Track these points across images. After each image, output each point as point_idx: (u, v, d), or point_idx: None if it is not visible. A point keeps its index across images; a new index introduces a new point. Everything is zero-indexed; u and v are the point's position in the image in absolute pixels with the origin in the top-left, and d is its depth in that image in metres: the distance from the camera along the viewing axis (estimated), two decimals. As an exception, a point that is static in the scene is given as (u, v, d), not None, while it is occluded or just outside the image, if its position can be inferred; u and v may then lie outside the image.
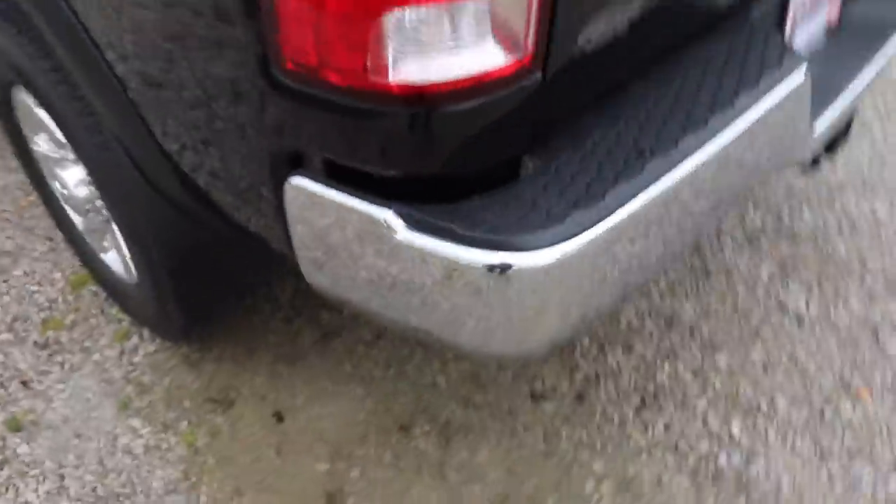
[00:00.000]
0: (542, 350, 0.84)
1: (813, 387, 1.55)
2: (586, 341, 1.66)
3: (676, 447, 1.46)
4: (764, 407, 1.52)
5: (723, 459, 1.44)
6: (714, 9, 1.00)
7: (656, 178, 0.78)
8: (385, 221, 0.73)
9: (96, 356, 1.69)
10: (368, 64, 0.65)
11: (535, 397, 1.57)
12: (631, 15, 0.79)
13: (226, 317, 1.72)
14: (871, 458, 1.43)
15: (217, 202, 1.05)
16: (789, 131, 0.99)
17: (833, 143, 1.39)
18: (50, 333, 1.75)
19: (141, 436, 1.53)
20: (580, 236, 0.72)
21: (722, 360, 1.61)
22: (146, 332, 1.72)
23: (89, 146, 1.25)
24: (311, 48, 0.67)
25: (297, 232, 0.86)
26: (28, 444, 1.53)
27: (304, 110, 0.74)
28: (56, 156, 1.60)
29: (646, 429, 1.50)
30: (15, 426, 1.56)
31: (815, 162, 1.44)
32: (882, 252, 1.82)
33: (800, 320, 1.69)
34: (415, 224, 0.73)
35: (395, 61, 0.64)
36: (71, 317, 1.78)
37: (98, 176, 1.30)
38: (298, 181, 0.80)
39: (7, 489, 1.46)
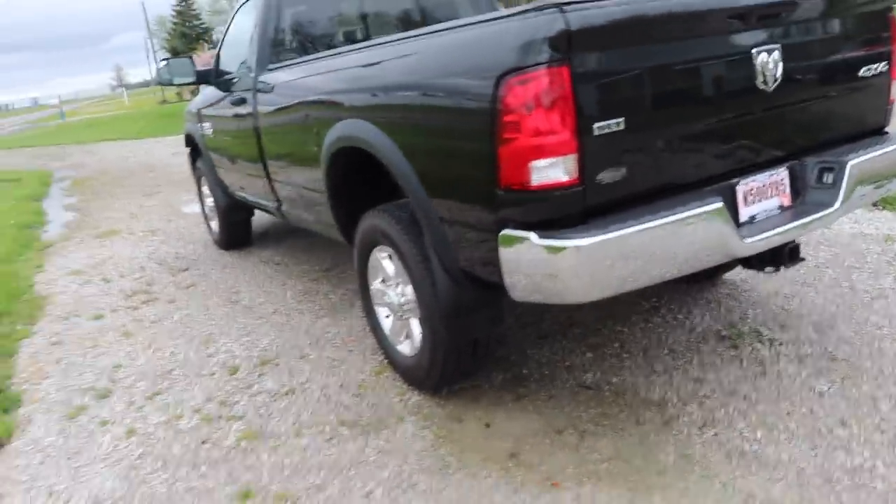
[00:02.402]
0: (595, 295, 2.28)
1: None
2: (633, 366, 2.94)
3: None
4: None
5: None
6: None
7: (624, 230, 2.24)
8: (530, 238, 2.28)
9: (386, 401, 3.25)
10: (527, 179, 2.24)
11: (582, 386, 2.85)
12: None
13: (460, 386, 3.23)
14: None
15: (469, 266, 2.66)
16: (711, 232, 2.39)
17: (787, 261, 2.74)
18: (362, 391, 3.36)
19: (409, 429, 3.00)
20: (592, 239, 2.20)
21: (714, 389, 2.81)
22: (416, 391, 3.27)
23: (418, 268, 2.91)
24: (510, 177, 2.28)
25: (503, 258, 2.40)
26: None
27: (507, 199, 2.33)
28: (383, 288, 3.34)
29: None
30: (349, 423, 3.11)
31: (777, 269, 2.77)
32: (878, 369, 2.96)
33: (821, 394, 2.85)
34: (540, 237, 2.26)
35: (533, 177, 2.23)
36: (373, 383, 3.40)
37: (418, 283, 2.94)
38: (504, 231, 2.37)
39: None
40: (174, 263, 5.80)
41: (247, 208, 5.58)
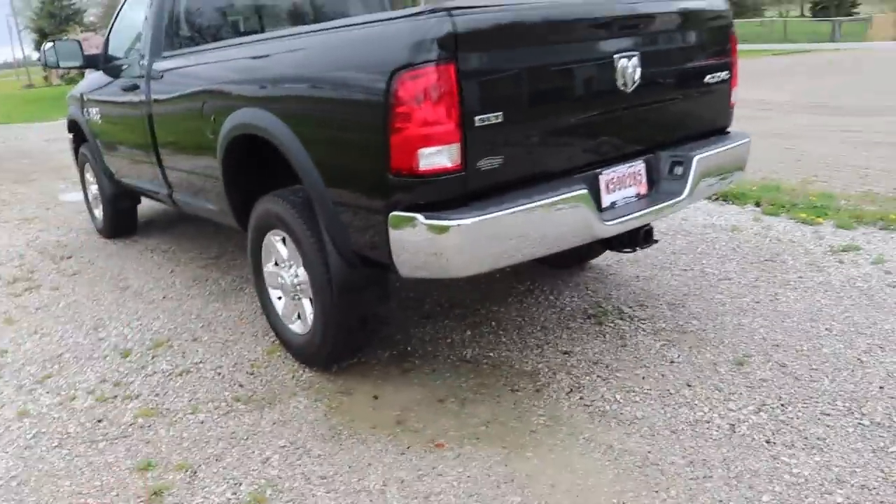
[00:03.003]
0: (475, 269, 2.54)
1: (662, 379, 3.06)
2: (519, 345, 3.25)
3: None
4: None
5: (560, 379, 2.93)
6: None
7: (501, 211, 2.51)
8: (417, 218, 2.51)
9: (279, 378, 3.40)
10: (415, 165, 2.47)
11: (462, 360, 3.13)
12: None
13: (349, 362, 3.43)
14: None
15: (360, 247, 2.86)
16: (577, 215, 2.70)
17: (642, 242, 3.10)
18: (255, 369, 3.50)
19: (301, 402, 3.18)
20: (472, 219, 2.46)
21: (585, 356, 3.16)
22: (307, 368, 3.44)
23: (312, 250, 3.08)
24: (400, 163, 2.50)
25: (393, 238, 2.62)
26: (261, 410, 3.20)
27: (398, 184, 2.55)
28: (276, 271, 3.49)
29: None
30: (243, 399, 3.25)
31: (633, 249, 3.14)
32: (720, 339, 3.38)
33: (671, 361, 3.23)
34: (426, 217, 2.49)
35: (421, 163, 2.46)
36: (266, 362, 3.55)
37: (311, 264, 3.11)
38: (394, 212, 2.59)
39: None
40: (56, 251, 5.69)
41: (133, 196, 5.55)
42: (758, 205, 5.57)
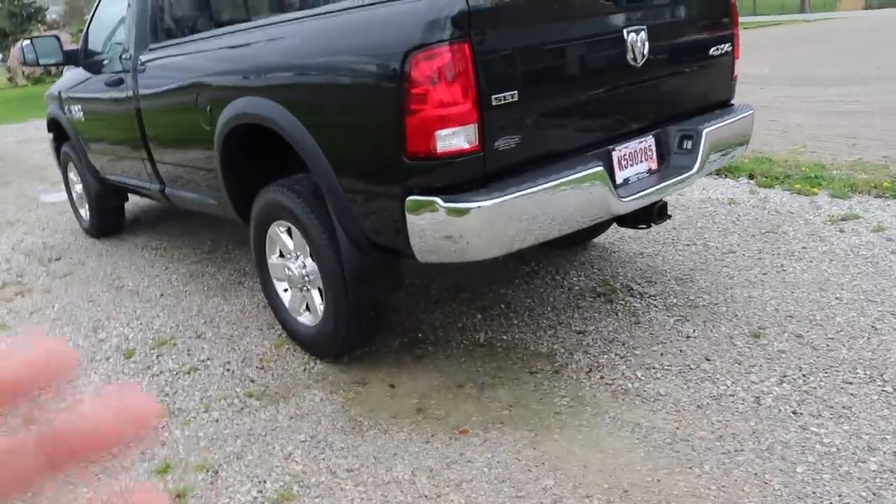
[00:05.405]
0: (494, 252, 2.49)
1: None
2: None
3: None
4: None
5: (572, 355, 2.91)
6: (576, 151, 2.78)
7: (522, 191, 2.47)
8: (436, 202, 2.46)
9: (290, 371, 3.34)
10: (432, 147, 2.41)
11: (475, 344, 3.10)
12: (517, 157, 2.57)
13: (361, 352, 3.37)
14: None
15: (374, 234, 2.80)
16: (595, 192, 2.67)
17: (657, 218, 3.07)
18: (264, 363, 3.43)
19: (317, 395, 3.12)
20: (493, 200, 2.42)
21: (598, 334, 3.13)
22: (317, 360, 3.38)
23: (321, 239, 3.02)
24: (416, 146, 2.45)
25: (410, 223, 2.57)
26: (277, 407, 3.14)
27: (414, 167, 2.49)
28: (280, 263, 3.41)
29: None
30: (256, 395, 3.18)
31: (648, 226, 3.11)
32: (732, 312, 3.36)
33: (687, 336, 3.20)
34: (445, 200, 2.44)
35: (438, 145, 2.41)
36: (275, 356, 3.48)
37: (321, 253, 3.05)
38: (411, 196, 2.54)
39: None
40: (43, 253, 5.55)
41: (120, 193, 5.43)
42: (751, 177, 5.58)
